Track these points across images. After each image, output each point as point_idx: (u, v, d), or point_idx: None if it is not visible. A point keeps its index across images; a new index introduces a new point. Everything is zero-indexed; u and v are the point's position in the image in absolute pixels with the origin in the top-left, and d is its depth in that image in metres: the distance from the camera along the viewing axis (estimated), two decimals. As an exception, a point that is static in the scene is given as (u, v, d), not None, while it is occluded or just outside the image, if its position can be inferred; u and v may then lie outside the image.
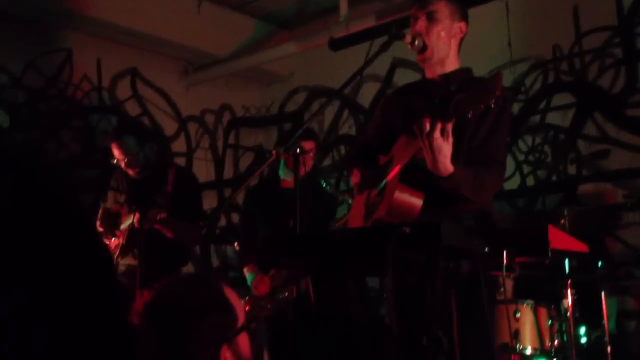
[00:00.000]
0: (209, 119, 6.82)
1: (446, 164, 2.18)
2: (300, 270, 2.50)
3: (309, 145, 4.03)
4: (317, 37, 5.69)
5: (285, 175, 4.17)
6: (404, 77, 5.48)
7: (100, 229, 4.14)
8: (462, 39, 2.57)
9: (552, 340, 3.38)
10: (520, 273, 2.15)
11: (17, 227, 0.65)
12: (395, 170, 2.33)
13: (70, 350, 0.64)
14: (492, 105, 2.00)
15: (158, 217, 3.79)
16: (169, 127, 6.44)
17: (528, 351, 3.33)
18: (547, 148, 5.16)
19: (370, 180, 2.54)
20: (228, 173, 6.88)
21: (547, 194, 5.11)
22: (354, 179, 2.65)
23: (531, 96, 5.24)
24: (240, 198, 6.75)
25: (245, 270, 4.23)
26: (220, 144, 6.88)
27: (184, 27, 6.01)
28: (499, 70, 2.01)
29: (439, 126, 2.12)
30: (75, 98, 5.79)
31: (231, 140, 6.96)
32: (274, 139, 6.88)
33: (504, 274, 1.96)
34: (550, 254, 1.97)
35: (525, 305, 3.37)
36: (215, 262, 6.59)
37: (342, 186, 6.08)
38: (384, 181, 2.39)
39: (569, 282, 3.44)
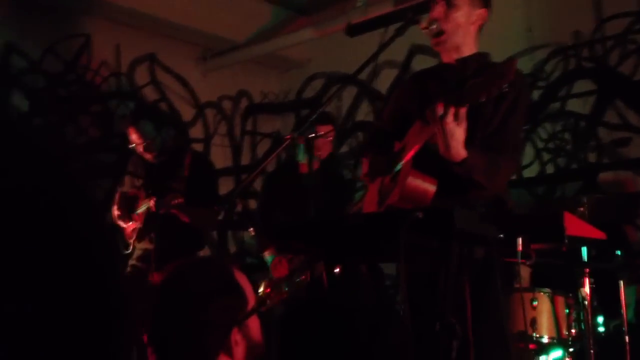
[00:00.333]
0: (227, 105, 6.82)
1: (459, 149, 2.16)
2: (314, 255, 2.50)
3: (326, 129, 4.02)
4: (335, 23, 5.66)
5: (304, 160, 4.17)
6: (422, 64, 5.40)
7: (118, 213, 4.18)
8: (481, 26, 2.53)
9: (569, 329, 3.36)
10: (537, 261, 2.13)
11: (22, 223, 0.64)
12: (409, 155, 2.31)
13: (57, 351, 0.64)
14: (505, 90, 1.97)
15: (174, 202, 3.81)
16: (187, 113, 6.45)
17: (545, 340, 3.31)
18: (567, 135, 5.10)
19: (383, 166, 2.52)
20: (245, 159, 6.88)
21: (566, 182, 5.06)
22: (363, 168, 2.64)
23: (551, 83, 5.18)
24: (257, 183, 6.77)
25: (266, 253, 4.25)
26: (237, 130, 6.89)
27: (202, 13, 6.00)
28: (515, 56, 1.99)
29: (452, 111, 2.10)
30: (93, 83, 5.82)
31: (248, 126, 6.96)
32: (291, 125, 6.87)
33: (519, 260, 1.95)
34: (566, 241, 1.95)
35: (542, 293, 3.35)
36: (232, 248, 6.62)
37: (358, 172, 6.06)
38: (398, 165, 2.38)
39: (586, 270, 3.41)
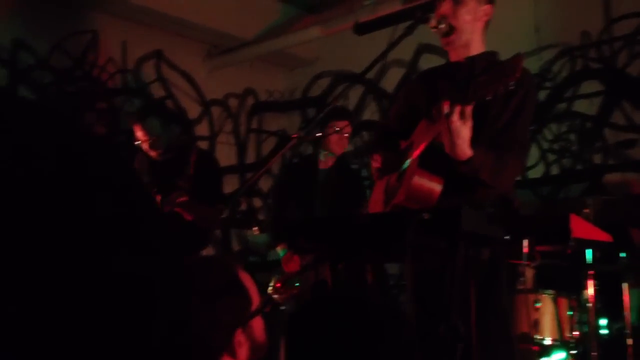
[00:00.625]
0: (233, 103, 6.82)
1: (464, 148, 2.15)
2: (319, 254, 2.50)
3: (342, 124, 4.01)
4: (343, 21, 5.65)
5: (321, 156, 4.17)
6: (429, 63, 5.39)
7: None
8: (487, 22, 2.53)
9: (572, 332, 3.35)
10: (542, 262, 2.13)
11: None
12: (415, 154, 2.31)
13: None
14: (512, 87, 1.96)
15: (179, 200, 3.81)
16: (193, 110, 6.46)
17: (547, 342, 3.30)
18: (573, 136, 5.09)
19: (390, 165, 2.52)
20: (250, 158, 6.89)
21: (571, 183, 5.05)
22: (375, 164, 2.63)
23: (558, 83, 5.16)
24: (262, 182, 6.77)
25: (278, 247, 4.26)
26: (243, 128, 6.89)
27: (209, 10, 6.00)
28: (519, 53, 1.97)
29: (458, 109, 2.09)
30: (100, 80, 5.83)
31: (254, 124, 6.96)
32: (297, 124, 6.87)
33: (525, 262, 1.94)
34: (572, 243, 1.94)
35: (545, 295, 3.34)
36: (236, 246, 6.62)
37: (367, 172, 6.06)
38: (405, 164, 2.37)
39: (590, 272, 3.40)
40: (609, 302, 3.58)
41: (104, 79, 5.85)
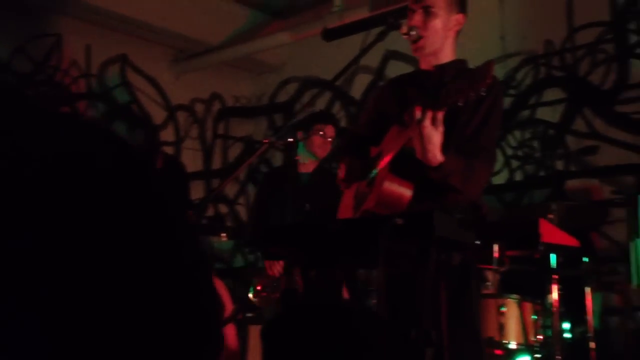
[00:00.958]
0: (199, 108, 6.78)
1: (436, 154, 2.17)
2: (290, 261, 2.50)
3: (326, 128, 4.01)
4: (311, 27, 5.66)
5: (303, 159, 4.15)
6: (396, 69, 5.46)
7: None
8: (459, 31, 2.55)
9: (537, 336, 3.39)
10: (510, 267, 2.15)
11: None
12: (385, 160, 2.32)
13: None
14: (483, 94, 1.98)
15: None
16: (158, 115, 6.40)
17: (512, 346, 3.34)
18: (536, 143, 5.18)
19: (359, 171, 2.52)
20: (217, 163, 6.85)
21: (534, 189, 5.13)
22: (340, 173, 2.63)
23: (522, 91, 5.25)
24: (228, 189, 6.74)
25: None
26: (209, 133, 6.85)
27: (176, 14, 5.96)
28: (490, 60, 1.99)
29: (430, 114, 2.11)
30: (63, 84, 5.74)
31: (221, 130, 6.92)
32: (264, 129, 6.85)
33: (495, 267, 1.96)
34: (541, 247, 1.97)
35: (510, 299, 3.38)
36: (202, 251, 6.57)
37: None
38: (374, 171, 2.38)
39: (554, 277, 3.45)
40: (572, 306, 3.65)
41: (67, 83, 5.76)
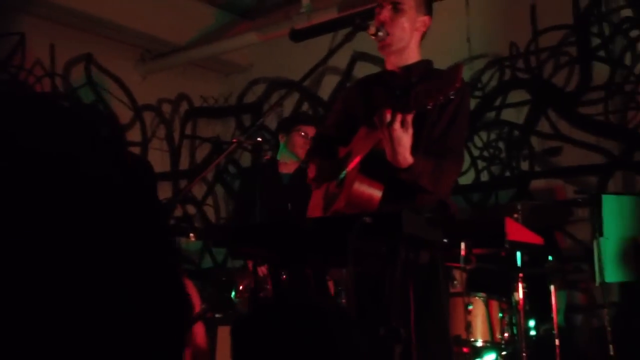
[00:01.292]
0: (166, 108, 6.73)
1: (405, 155, 2.19)
2: (259, 260, 2.49)
3: (310, 130, 4.01)
4: (278, 28, 5.66)
5: (284, 159, 4.14)
6: (364, 71, 5.49)
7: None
8: (424, 33, 2.58)
9: (503, 333, 3.44)
10: (477, 266, 2.18)
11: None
12: (355, 161, 2.33)
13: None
14: (452, 97, 2.01)
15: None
16: (124, 115, 6.33)
17: (479, 343, 3.38)
18: (501, 144, 5.25)
19: (329, 172, 2.53)
20: (184, 164, 6.80)
21: (500, 189, 5.20)
22: (310, 174, 2.64)
23: (487, 92, 5.32)
24: (196, 190, 6.69)
25: None
26: (176, 134, 6.80)
27: (142, 14, 5.90)
28: (459, 63, 2.02)
29: (399, 117, 2.13)
30: (27, 83, 5.64)
31: (188, 130, 6.88)
32: (231, 130, 6.82)
33: (462, 265, 1.99)
34: (507, 246, 2.00)
35: (477, 297, 3.42)
36: (169, 253, 6.51)
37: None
38: (344, 172, 2.39)
39: (520, 275, 3.51)
40: (537, 304, 3.70)
41: (31, 83, 5.67)
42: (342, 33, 2.55)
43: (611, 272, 3.84)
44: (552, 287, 3.70)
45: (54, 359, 0.60)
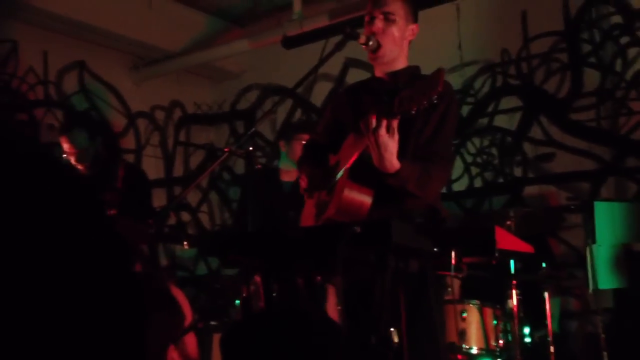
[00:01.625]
0: (159, 115, 6.72)
1: (392, 161, 2.20)
2: (249, 269, 2.49)
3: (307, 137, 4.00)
4: (270, 35, 5.68)
5: (286, 167, 4.13)
6: (356, 77, 5.47)
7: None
8: (411, 41, 2.61)
9: (497, 340, 3.44)
10: (468, 273, 2.18)
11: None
12: (344, 168, 2.33)
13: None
14: (435, 101, 2.02)
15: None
16: (118, 122, 6.32)
17: (474, 351, 3.38)
18: (494, 150, 5.26)
19: (319, 181, 2.54)
20: (178, 171, 6.79)
21: (493, 195, 5.20)
22: (302, 184, 2.64)
23: (480, 99, 5.33)
24: (190, 197, 6.68)
25: None
26: (170, 141, 6.79)
27: (135, 21, 5.90)
28: (446, 72, 2.03)
29: (384, 123, 2.14)
30: (20, 91, 5.63)
31: (182, 137, 6.87)
32: (225, 137, 6.82)
33: (452, 274, 1.99)
34: (497, 254, 2.00)
35: (471, 305, 3.42)
36: (163, 261, 6.50)
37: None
38: (334, 180, 2.40)
39: (514, 282, 3.51)
40: (531, 311, 3.70)
41: (24, 90, 5.66)
42: (333, 40, 2.55)
43: (604, 279, 3.85)
44: (546, 294, 3.71)
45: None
